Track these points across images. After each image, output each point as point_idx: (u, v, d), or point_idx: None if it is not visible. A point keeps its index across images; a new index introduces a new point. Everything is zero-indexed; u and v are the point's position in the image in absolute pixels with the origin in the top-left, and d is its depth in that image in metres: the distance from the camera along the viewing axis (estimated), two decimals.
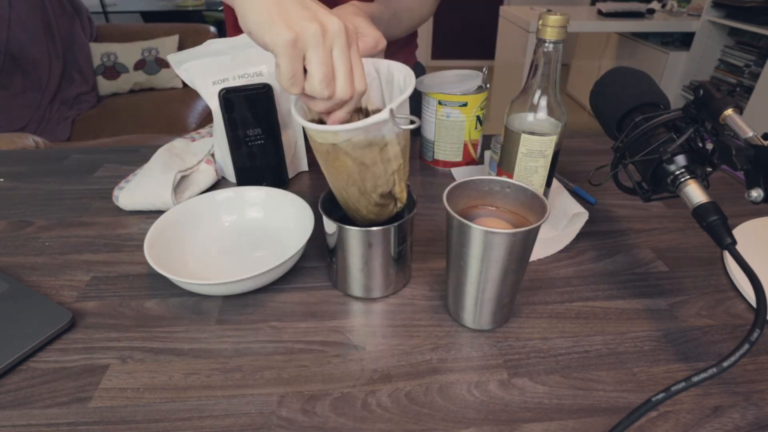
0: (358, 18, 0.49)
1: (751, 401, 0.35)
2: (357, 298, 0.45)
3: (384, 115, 0.34)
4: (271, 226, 0.53)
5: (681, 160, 0.41)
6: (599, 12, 2.57)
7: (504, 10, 2.71)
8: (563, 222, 0.52)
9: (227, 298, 0.45)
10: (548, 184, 0.51)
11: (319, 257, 0.50)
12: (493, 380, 0.37)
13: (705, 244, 0.53)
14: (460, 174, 0.67)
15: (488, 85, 0.65)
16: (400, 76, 0.41)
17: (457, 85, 0.63)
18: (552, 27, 0.42)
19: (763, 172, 0.35)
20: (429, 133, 0.67)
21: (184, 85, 2.04)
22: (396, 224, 0.40)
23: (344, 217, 0.46)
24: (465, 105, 0.63)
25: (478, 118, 0.65)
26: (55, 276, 0.47)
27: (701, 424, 0.33)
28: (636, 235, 0.54)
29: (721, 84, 2.35)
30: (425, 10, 0.74)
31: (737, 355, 0.30)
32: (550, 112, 0.46)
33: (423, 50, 4.33)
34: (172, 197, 0.55)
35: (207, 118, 2.13)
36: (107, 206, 0.59)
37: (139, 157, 0.72)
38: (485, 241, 0.34)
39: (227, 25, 0.82)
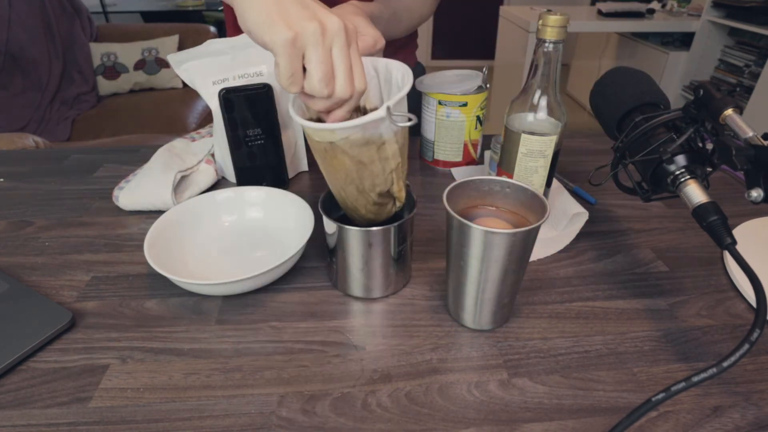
0: (358, 17, 0.49)
1: (751, 401, 0.35)
2: (357, 298, 0.45)
3: (381, 112, 0.34)
4: (271, 226, 0.53)
5: (681, 160, 0.41)
6: (599, 12, 2.57)
7: (504, 10, 2.71)
8: (563, 222, 0.52)
9: (227, 298, 0.45)
10: (548, 184, 0.51)
11: (319, 257, 0.50)
12: (493, 380, 0.37)
13: (705, 244, 0.53)
14: (460, 174, 0.67)
15: (488, 85, 0.65)
16: (398, 75, 0.41)
17: (457, 85, 0.63)
18: (552, 27, 0.42)
19: (763, 172, 0.35)
20: (429, 133, 0.67)
21: (184, 85, 2.04)
22: (396, 224, 0.40)
23: (344, 217, 0.46)
24: (465, 105, 0.63)
25: (478, 118, 0.65)
26: (55, 276, 0.47)
27: (701, 424, 0.33)
28: (636, 235, 0.54)
29: (721, 84, 2.35)
30: (425, 10, 0.74)
31: (737, 355, 0.30)
32: (550, 112, 0.46)
33: (423, 50, 4.33)
34: (172, 197, 0.55)
35: (207, 118, 2.13)
36: (107, 206, 0.59)
37: (139, 157, 0.72)
38: (485, 241, 0.34)
39: (227, 25, 0.82)
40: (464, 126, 0.65)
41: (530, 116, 0.47)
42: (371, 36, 0.47)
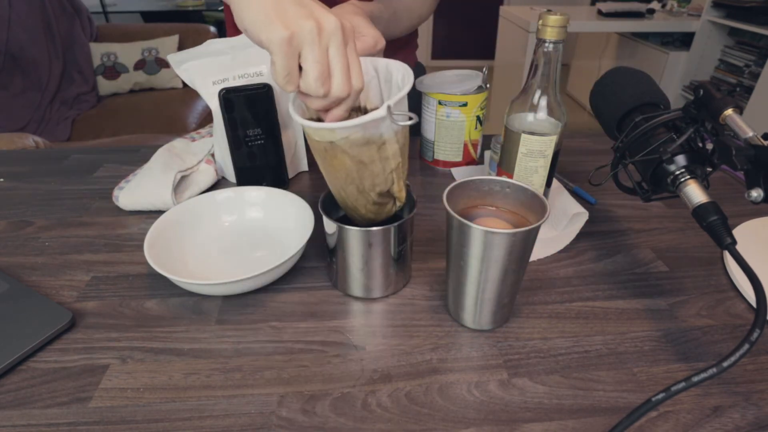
0: (357, 17, 0.49)
1: (751, 401, 0.35)
2: (357, 298, 0.45)
3: (381, 112, 0.34)
4: (271, 226, 0.53)
5: (681, 160, 0.41)
6: (599, 12, 2.57)
7: (504, 10, 2.71)
8: (563, 222, 0.52)
9: (227, 298, 0.45)
10: (548, 184, 0.51)
11: (319, 257, 0.50)
12: (493, 380, 0.37)
13: (705, 244, 0.53)
14: (460, 174, 0.67)
15: (488, 85, 0.65)
16: (399, 75, 0.41)
17: (457, 85, 0.63)
18: (552, 27, 0.42)
19: (763, 172, 0.35)
20: (429, 133, 0.67)
21: (184, 85, 2.04)
22: (396, 224, 0.40)
23: (344, 217, 0.46)
24: (465, 105, 0.63)
25: (478, 118, 0.65)
26: (55, 276, 0.47)
27: (701, 424, 0.33)
28: (636, 235, 0.54)
29: (721, 84, 2.35)
30: (425, 10, 0.74)
31: (737, 355, 0.30)
32: (550, 112, 0.46)
33: (423, 50, 4.33)
34: (172, 197, 0.55)
35: (207, 118, 2.13)
36: (107, 206, 0.59)
37: (139, 157, 0.72)
38: (485, 241, 0.34)
39: (227, 25, 0.82)
40: (464, 126, 0.65)
41: (530, 116, 0.47)
42: (371, 36, 0.47)
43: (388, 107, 0.34)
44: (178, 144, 0.65)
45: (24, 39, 2.06)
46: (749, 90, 2.12)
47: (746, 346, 0.30)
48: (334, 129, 0.35)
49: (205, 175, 0.61)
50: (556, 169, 0.56)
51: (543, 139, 0.46)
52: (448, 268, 0.40)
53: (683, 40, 2.59)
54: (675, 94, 2.59)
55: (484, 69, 0.65)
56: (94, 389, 0.36)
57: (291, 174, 0.65)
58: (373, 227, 0.40)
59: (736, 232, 0.52)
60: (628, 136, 0.45)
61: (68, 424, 0.33)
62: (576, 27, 2.41)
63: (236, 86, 0.55)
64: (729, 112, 0.38)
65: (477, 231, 0.34)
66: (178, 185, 0.59)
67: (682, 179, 0.40)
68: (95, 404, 0.35)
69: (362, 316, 0.43)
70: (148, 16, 3.20)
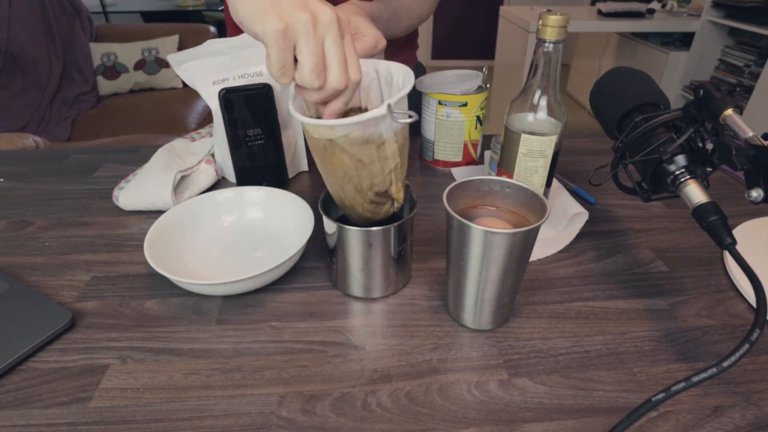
0: (358, 17, 0.49)
1: (751, 401, 0.35)
2: (357, 298, 0.45)
3: (381, 110, 0.34)
4: (271, 226, 0.53)
5: (681, 160, 0.41)
6: (599, 12, 2.57)
7: (504, 10, 2.71)
8: (563, 222, 0.52)
9: (227, 298, 0.45)
10: (548, 184, 0.51)
11: (319, 257, 0.50)
12: (493, 380, 0.37)
13: (705, 244, 0.53)
14: (460, 174, 0.67)
15: (488, 85, 0.65)
16: (399, 76, 0.41)
17: (457, 85, 0.63)
18: (552, 27, 0.42)
19: (763, 172, 0.35)
20: (429, 133, 0.67)
21: (184, 85, 2.04)
22: (396, 224, 0.40)
23: (344, 217, 0.46)
24: (465, 105, 0.63)
25: (478, 118, 0.65)
26: (55, 276, 0.47)
27: (701, 424, 0.33)
28: (636, 235, 0.54)
29: (721, 84, 2.35)
30: (425, 10, 0.74)
31: (737, 355, 0.30)
32: (550, 112, 0.46)
33: (423, 50, 4.33)
34: (172, 197, 0.55)
35: (207, 118, 2.13)
36: (107, 206, 0.59)
37: (139, 157, 0.72)
38: (485, 241, 0.34)
39: (227, 25, 0.82)
40: (464, 126, 0.65)
41: (530, 116, 0.47)
42: (372, 36, 0.47)
43: (389, 105, 0.34)
44: (178, 144, 0.65)
45: (24, 39, 2.06)
46: (749, 90, 2.12)
47: (746, 346, 0.30)
48: (333, 126, 0.35)
49: (205, 175, 0.61)
50: (556, 169, 0.56)
51: (543, 139, 0.46)
52: (448, 268, 0.40)
53: (683, 40, 2.59)
54: (675, 94, 2.59)
55: (484, 69, 0.65)
56: (94, 389, 0.36)
57: (291, 174, 0.65)
58: (373, 227, 0.40)
59: (736, 232, 0.52)
60: (628, 136, 0.45)
61: (68, 424, 0.33)
62: (576, 27, 2.41)
63: (236, 86, 0.55)
64: (729, 112, 0.38)
65: (477, 231, 0.34)
66: (178, 185, 0.59)
67: (682, 179, 0.40)
68: (95, 404, 0.35)
69: (362, 316, 0.43)
70: (148, 16, 3.20)
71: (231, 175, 0.63)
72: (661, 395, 0.30)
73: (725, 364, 0.30)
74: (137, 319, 0.42)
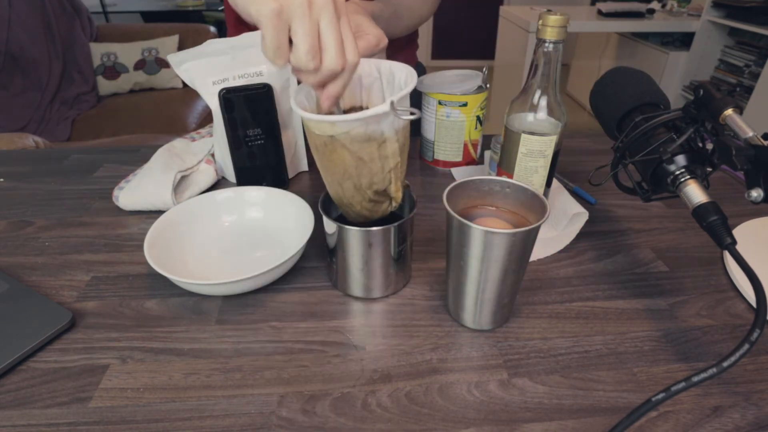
0: (360, 16, 0.49)
1: (751, 401, 0.35)
2: (357, 298, 0.45)
3: (384, 107, 0.33)
4: (271, 226, 0.53)
5: (681, 160, 0.41)
6: (599, 12, 2.57)
7: (504, 10, 2.71)
8: (563, 222, 0.52)
9: (227, 298, 0.45)
10: (548, 184, 0.51)
11: (319, 257, 0.50)
12: (493, 380, 0.37)
13: (705, 244, 0.53)
14: (460, 174, 0.67)
15: (488, 85, 0.65)
16: (402, 75, 0.41)
17: (457, 85, 0.63)
18: (552, 27, 0.42)
19: (763, 172, 0.35)
20: (429, 133, 0.67)
21: (184, 85, 2.04)
22: (396, 224, 0.40)
23: (344, 217, 0.46)
24: (465, 105, 0.63)
25: (478, 118, 0.65)
26: (55, 276, 0.47)
27: (701, 424, 0.33)
28: (636, 235, 0.54)
29: (721, 84, 2.35)
30: (426, 10, 0.74)
31: (737, 355, 0.30)
32: (550, 112, 0.46)
33: (423, 50, 4.33)
34: (172, 197, 0.55)
35: (207, 118, 2.13)
36: (107, 206, 0.59)
37: (139, 157, 0.72)
38: (485, 241, 0.34)
39: (227, 25, 0.82)
40: (464, 126, 0.65)
41: (530, 116, 0.47)
42: (374, 35, 0.47)
43: (392, 102, 0.34)
44: (178, 144, 0.65)
45: (24, 39, 2.06)
46: (749, 90, 2.12)
47: (746, 346, 0.30)
48: (335, 122, 0.35)
49: (205, 175, 0.61)
50: (556, 169, 0.56)
51: (543, 139, 0.46)
52: (448, 268, 0.40)
53: (683, 40, 2.59)
54: (675, 94, 2.59)
55: (484, 69, 0.65)
56: (94, 389, 0.36)
57: (291, 174, 0.65)
58: (373, 227, 0.40)
59: (736, 232, 0.52)
60: (628, 136, 0.45)
61: (68, 424, 0.33)
62: (576, 27, 2.41)
63: (236, 86, 0.55)
64: (729, 112, 0.38)
65: (477, 231, 0.34)
66: (178, 185, 0.59)
67: (682, 179, 0.40)
68: (95, 404, 0.35)
69: (362, 316, 0.43)
70: (148, 16, 3.20)
71: (231, 175, 0.63)
72: (661, 395, 0.30)
73: (725, 364, 0.30)
74: (137, 319, 0.42)
